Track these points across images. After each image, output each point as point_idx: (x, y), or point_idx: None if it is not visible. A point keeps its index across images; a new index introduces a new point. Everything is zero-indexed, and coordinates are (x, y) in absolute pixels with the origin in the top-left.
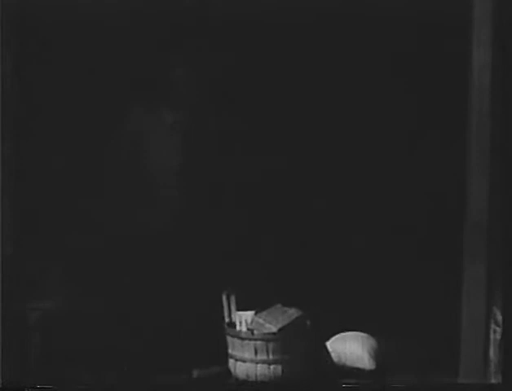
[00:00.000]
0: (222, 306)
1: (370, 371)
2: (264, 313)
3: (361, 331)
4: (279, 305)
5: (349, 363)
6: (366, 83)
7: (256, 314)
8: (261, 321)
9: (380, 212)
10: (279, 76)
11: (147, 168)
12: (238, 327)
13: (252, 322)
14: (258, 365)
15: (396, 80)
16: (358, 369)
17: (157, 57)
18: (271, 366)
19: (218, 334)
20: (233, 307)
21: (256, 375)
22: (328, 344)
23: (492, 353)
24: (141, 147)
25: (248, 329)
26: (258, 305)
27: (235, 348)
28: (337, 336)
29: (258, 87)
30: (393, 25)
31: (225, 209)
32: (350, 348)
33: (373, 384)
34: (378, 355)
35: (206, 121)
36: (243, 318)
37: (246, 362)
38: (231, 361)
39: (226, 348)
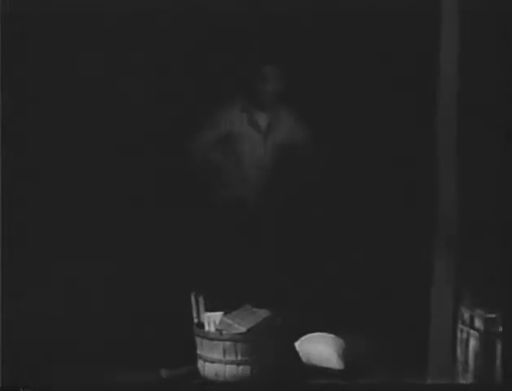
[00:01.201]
0: (191, 307)
1: (339, 372)
2: (233, 313)
3: (330, 331)
4: (248, 306)
5: (317, 363)
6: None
7: (225, 314)
8: (229, 321)
9: (349, 211)
10: None
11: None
12: (207, 328)
13: (221, 322)
14: (227, 365)
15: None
16: (326, 369)
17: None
18: (240, 367)
19: (187, 334)
20: (202, 308)
21: (225, 376)
22: (297, 344)
23: (459, 353)
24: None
25: (216, 330)
26: (226, 306)
27: (203, 348)
28: (305, 336)
29: None
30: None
31: (194, 210)
32: (318, 348)
33: (342, 385)
34: (347, 355)
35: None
36: (211, 319)
37: (215, 362)
38: (200, 361)
39: (195, 348)
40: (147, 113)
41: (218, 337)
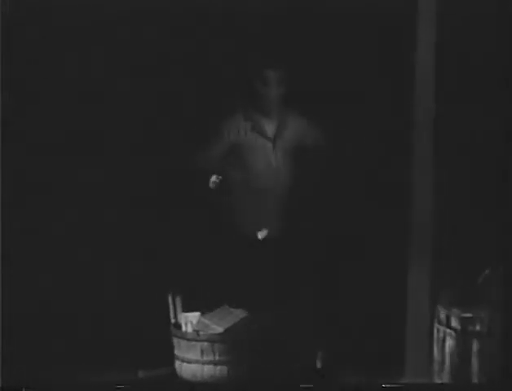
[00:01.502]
0: (168, 307)
1: (316, 371)
2: (210, 314)
3: (307, 331)
4: (225, 306)
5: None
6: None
7: (202, 315)
8: (207, 322)
9: (324, 211)
10: None
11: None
12: (184, 329)
13: (198, 323)
14: (205, 366)
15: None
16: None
17: None
18: (218, 367)
19: (164, 335)
20: (179, 308)
21: (202, 376)
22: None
23: (436, 352)
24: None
25: (194, 330)
26: (204, 307)
27: (181, 349)
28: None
29: None
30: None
31: (172, 210)
32: None
33: (319, 384)
34: (325, 354)
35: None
36: (189, 320)
37: (192, 363)
38: (177, 362)
39: (172, 349)
40: (148, 114)
41: (196, 338)
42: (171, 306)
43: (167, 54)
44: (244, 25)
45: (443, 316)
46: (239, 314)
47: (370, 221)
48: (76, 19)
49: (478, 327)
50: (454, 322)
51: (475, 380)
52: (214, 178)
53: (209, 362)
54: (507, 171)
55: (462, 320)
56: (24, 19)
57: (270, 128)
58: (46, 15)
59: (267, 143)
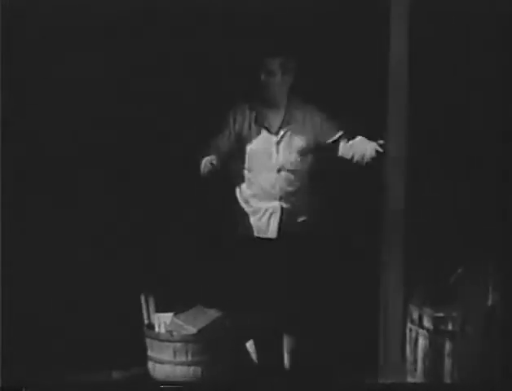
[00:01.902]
0: (141, 308)
1: (290, 371)
2: (183, 314)
3: (281, 331)
4: (199, 306)
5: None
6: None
7: (175, 315)
8: (180, 322)
9: (298, 206)
10: None
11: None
12: (157, 329)
13: (171, 323)
14: (178, 367)
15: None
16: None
17: None
18: (191, 368)
19: (137, 336)
20: (152, 309)
21: (175, 377)
22: (248, 344)
23: (408, 352)
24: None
25: (167, 331)
26: (177, 307)
27: (154, 350)
28: None
29: None
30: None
31: (143, 211)
32: None
33: (292, 385)
34: (297, 354)
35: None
36: (162, 320)
37: (165, 363)
38: (150, 363)
39: (145, 350)
40: (148, 113)
41: (169, 338)
42: (144, 307)
43: (167, 54)
44: (244, 25)
45: (415, 316)
46: (212, 313)
47: (341, 219)
48: (76, 19)
49: (450, 327)
50: (427, 322)
51: (448, 380)
52: (209, 159)
53: (182, 363)
54: (507, 171)
55: (435, 320)
56: (24, 19)
57: (275, 121)
58: (46, 15)
59: (270, 136)
